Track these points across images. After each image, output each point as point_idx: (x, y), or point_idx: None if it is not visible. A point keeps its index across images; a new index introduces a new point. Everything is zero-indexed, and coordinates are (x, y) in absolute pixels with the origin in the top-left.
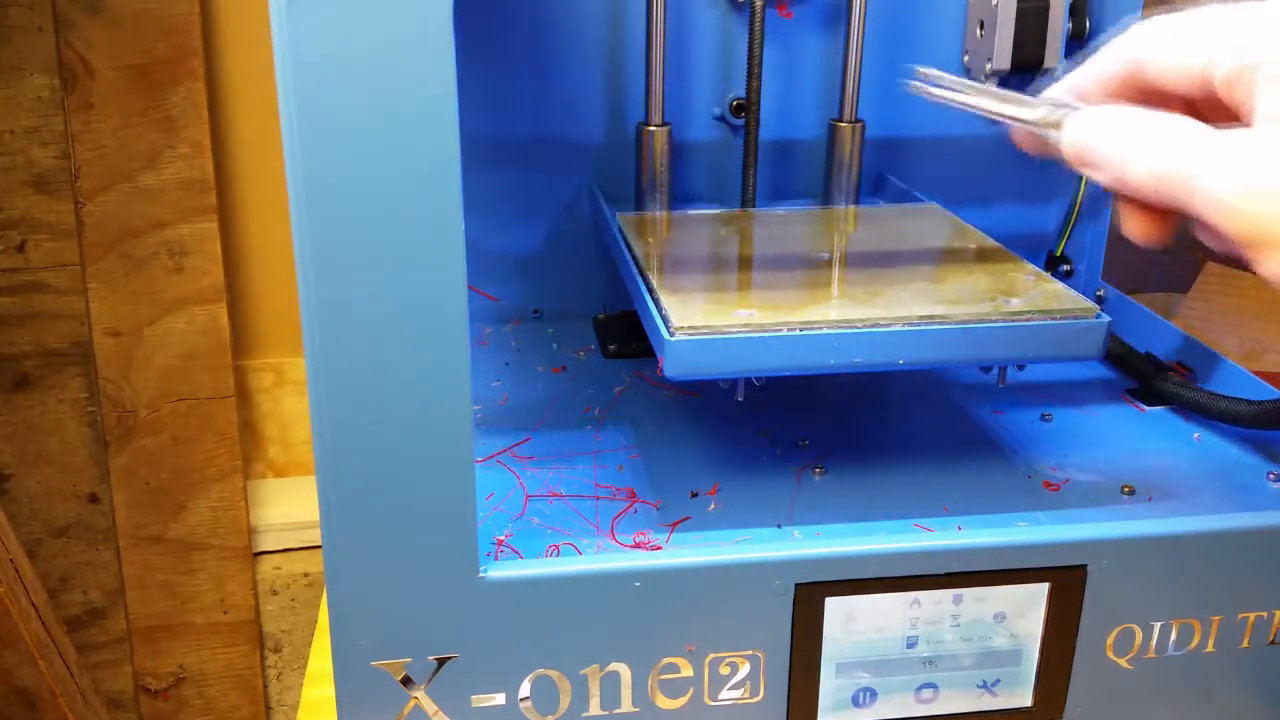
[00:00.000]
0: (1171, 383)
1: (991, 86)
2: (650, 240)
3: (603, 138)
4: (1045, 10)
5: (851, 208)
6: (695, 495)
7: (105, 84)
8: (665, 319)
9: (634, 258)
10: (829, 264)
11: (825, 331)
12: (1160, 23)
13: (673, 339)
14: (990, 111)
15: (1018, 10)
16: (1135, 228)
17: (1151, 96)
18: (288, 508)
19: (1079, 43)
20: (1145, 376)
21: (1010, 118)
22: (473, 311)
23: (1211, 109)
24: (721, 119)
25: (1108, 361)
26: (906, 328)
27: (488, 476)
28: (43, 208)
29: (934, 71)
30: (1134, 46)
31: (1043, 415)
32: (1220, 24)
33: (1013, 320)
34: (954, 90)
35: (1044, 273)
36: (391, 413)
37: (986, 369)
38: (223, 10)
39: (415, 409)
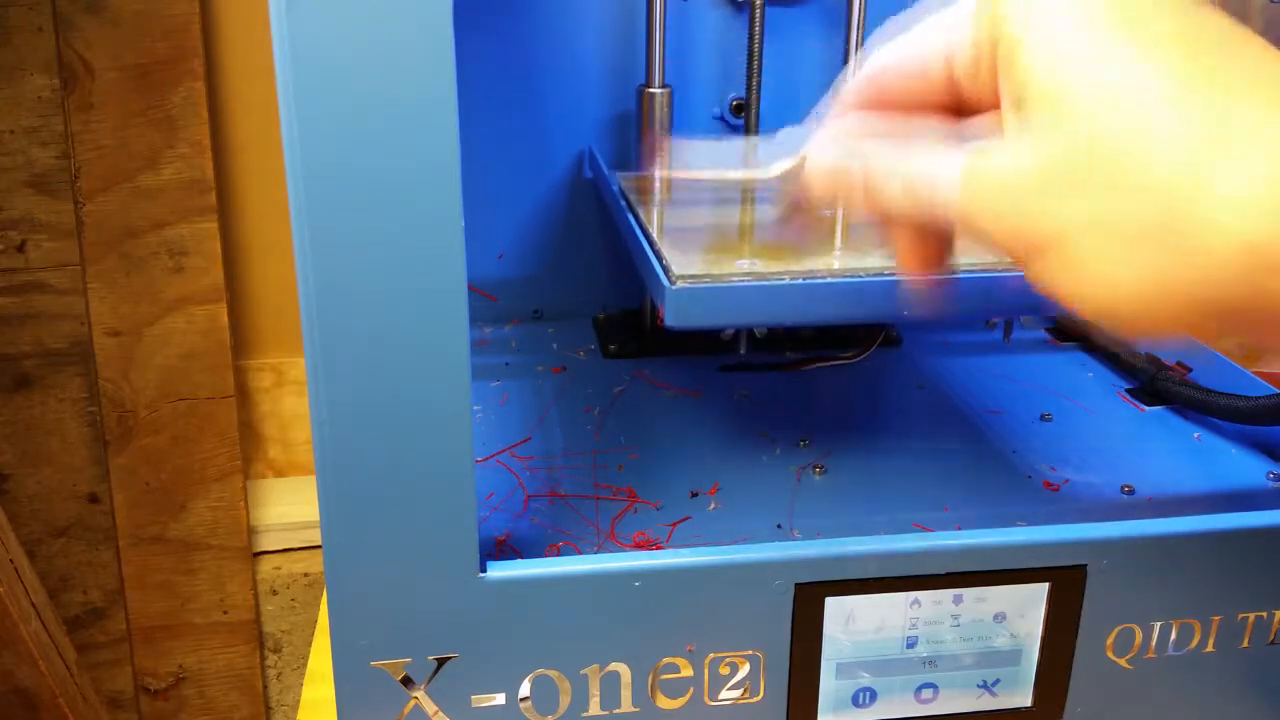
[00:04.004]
0: (1171, 382)
1: (742, 143)
2: (650, 197)
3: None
4: None
5: None
6: (695, 495)
7: (105, 84)
8: (666, 268)
9: (634, 213)
10: (832, 218)
11: (828, 280)
12: (892, 25)
13: (674, 287)
14: (734, 182)
15: None
16: (904, 257)
17: (909, 110)
18: (288, 508)
19: None
20: (1144, 376)
21: (753, 181)
22: (473, 311)
23: (970, 109)
24: (721, 119)
25: (1108, 361)
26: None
27: (488, 476)
28: (43, 208)
29: (685, 145)
30: (874, 59)
31: (1042, 415)
32: (951, 15)
33: (1019, 270)
34: (699, 164)
35: None
36: (391, 413)
37: (991, 323)
38: (223, 10)
39: (415, 409)
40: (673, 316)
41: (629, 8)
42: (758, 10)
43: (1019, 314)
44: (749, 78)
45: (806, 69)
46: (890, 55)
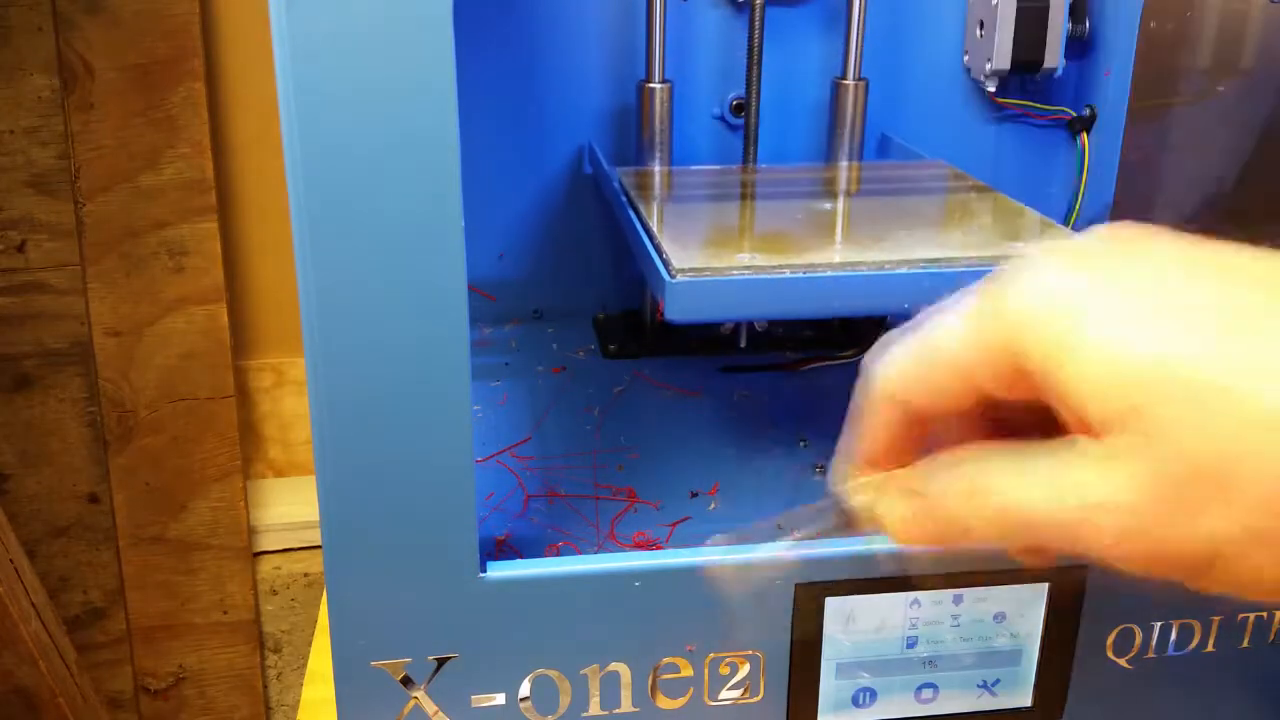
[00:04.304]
0: None
1: (784, 533)
2: (651, 192)
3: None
4: (1045, 10)
5: (856, 163)
6: (695, 495)
7: (105, 84)
8: (666, 262)
9: (634, 208)
10: (833, 212)
11: (829, 274)
12: (903, 352)
13: (674, 280)
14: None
15: (1018, 10)
16: (1022, 558)
17: (936, 421)
18: (288, 508)
19: (1079, 43)
20: None
21: (817, 535)
22: (473, 311)
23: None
24: (721, 119)
25: None
26: (911, 270)
27: (488, 476)
28: (43, 208)
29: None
30: (888, 390)
31: None
32: (957, 331)
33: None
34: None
35: (1051, 220)
36: (391, 412)
37: None
38: (222, 10)
39: (415, 409)
40: (673, 310)
41: (628, 5)
42: (758, 10)
43: None
44: (749, 77)
45: (806, 69)
46: (909, 381)
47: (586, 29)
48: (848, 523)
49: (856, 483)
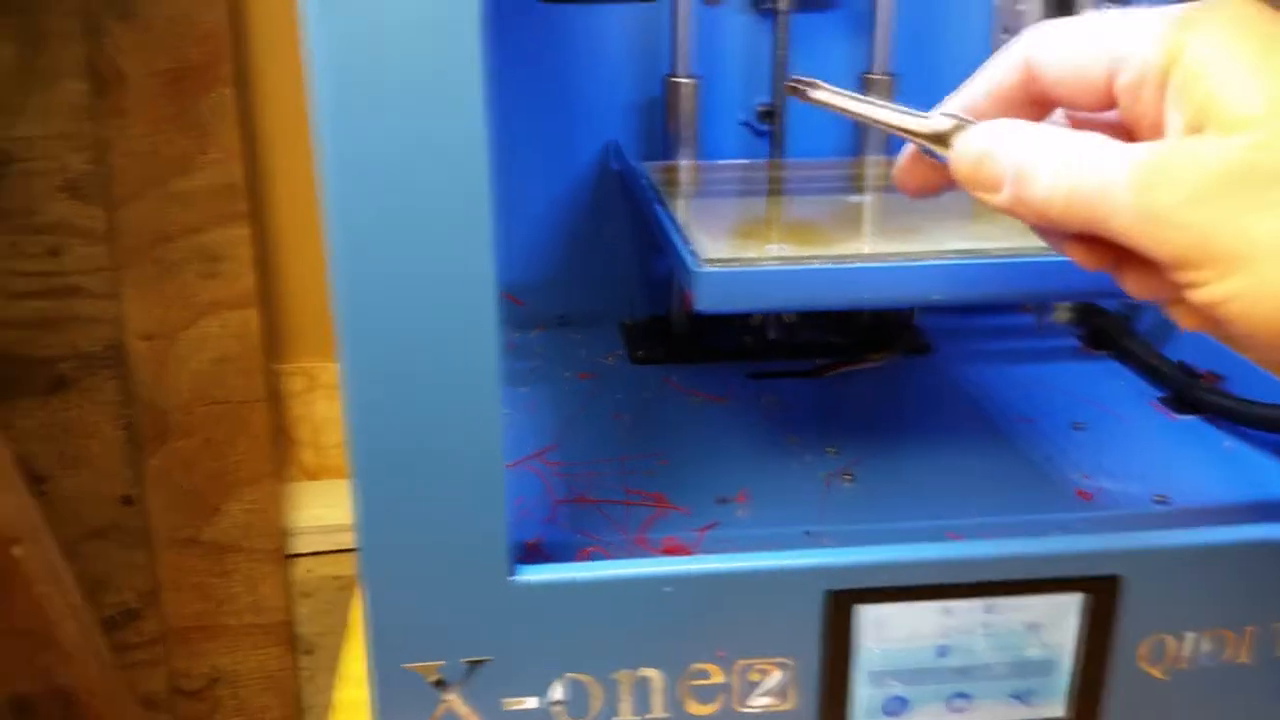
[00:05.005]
0: (1203, 390)
1: (876, 99)
2: (678, 186)
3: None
4: (1070, 14)
5: (885, 158)
6: (724, 501)
7: (137, 90)
8: (694, 252)
9: (662, 202)
10: (862, 205)
11: (859, 265)
12: (1055, 25)
13: (702, 270)
14: (874, 120)
15: (1044, 15)
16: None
17: (1048, 110)
18: (320, 511)
19: None
20: (1177, 384)
21: (895, 128)
22: (500, 316)
23: (1109, 127)
24: (747, 125)
25: (1139, 370)
26: (942, 261)
27: (516, 482)
28: (76, 213)
29: (814, 80)
30: (1027, 51)
31: (1074, 424)
32: (1122, 26)
33: (1050, 254)
34: (836, 96)
35: None
36: (424, 416)
37: (1024, 309)
38: (254, 15)
39: (447, 414)
40: (701, 301)
41: (654, 9)
42: (783, 17)
43: (1054, 300)
44: (775, 84)
45: (833, 75)
46: (1051, 49)
47: (611, 29)
48: (927, 136)
49: (949, 110)
